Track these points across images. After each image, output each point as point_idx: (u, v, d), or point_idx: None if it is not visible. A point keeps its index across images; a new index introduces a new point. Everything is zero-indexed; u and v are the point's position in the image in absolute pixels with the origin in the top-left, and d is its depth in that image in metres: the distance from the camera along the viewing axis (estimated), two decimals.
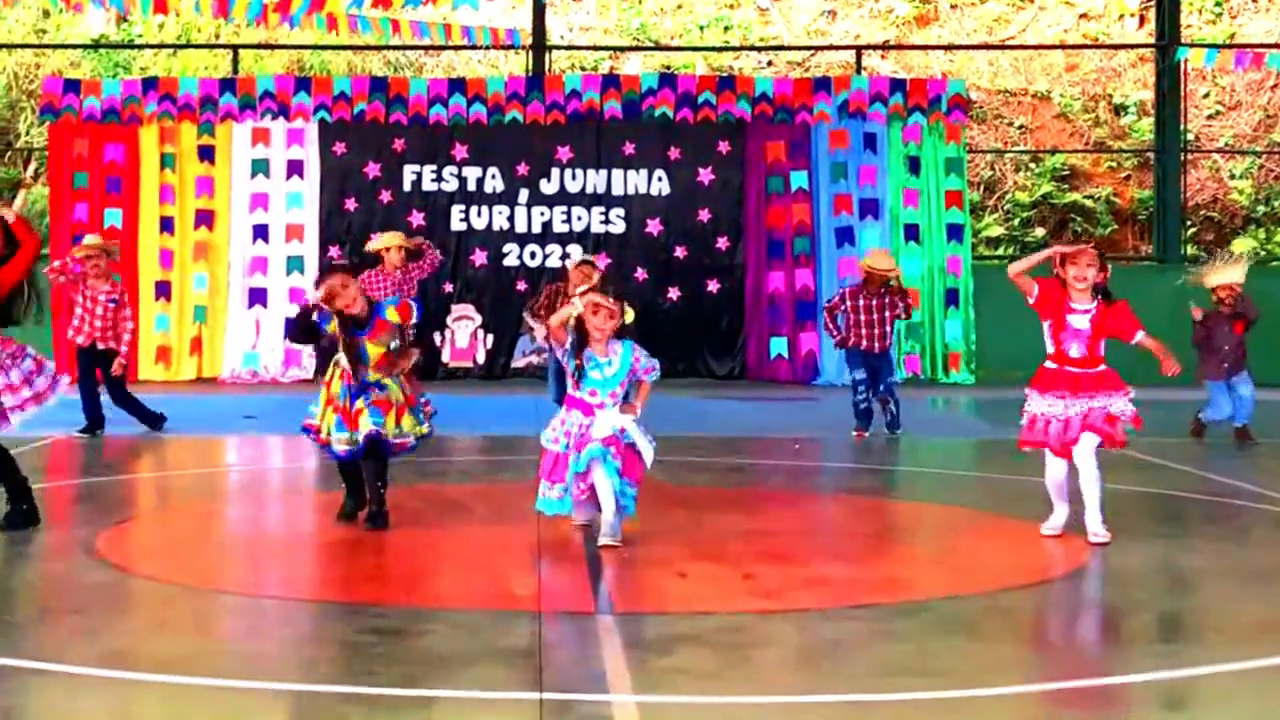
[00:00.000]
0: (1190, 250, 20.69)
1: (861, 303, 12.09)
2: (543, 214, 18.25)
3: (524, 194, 18.32)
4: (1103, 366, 7.20)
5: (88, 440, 11.61)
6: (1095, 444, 7.15)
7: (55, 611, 5.88)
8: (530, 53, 19.62)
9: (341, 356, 7.47)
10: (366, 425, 7.38)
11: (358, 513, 7.62)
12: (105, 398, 11.97)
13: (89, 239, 12.55)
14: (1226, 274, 12.13)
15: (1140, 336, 7.19)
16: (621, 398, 7.08)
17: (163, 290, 18.07)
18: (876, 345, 12.08)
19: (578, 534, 7.19)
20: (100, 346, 11.87)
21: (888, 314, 12.07)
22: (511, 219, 18.29)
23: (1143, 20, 24.11)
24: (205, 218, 18.22)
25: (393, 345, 7.47)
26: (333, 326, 7.44)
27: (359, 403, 7.41)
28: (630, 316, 7.16)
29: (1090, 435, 7.13)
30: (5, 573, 6.42)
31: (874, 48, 23.67)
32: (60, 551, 7.04)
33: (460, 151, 18.29)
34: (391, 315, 7.49)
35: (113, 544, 7.01)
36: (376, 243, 12.74)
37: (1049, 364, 7.24)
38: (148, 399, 12.44)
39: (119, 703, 4.47)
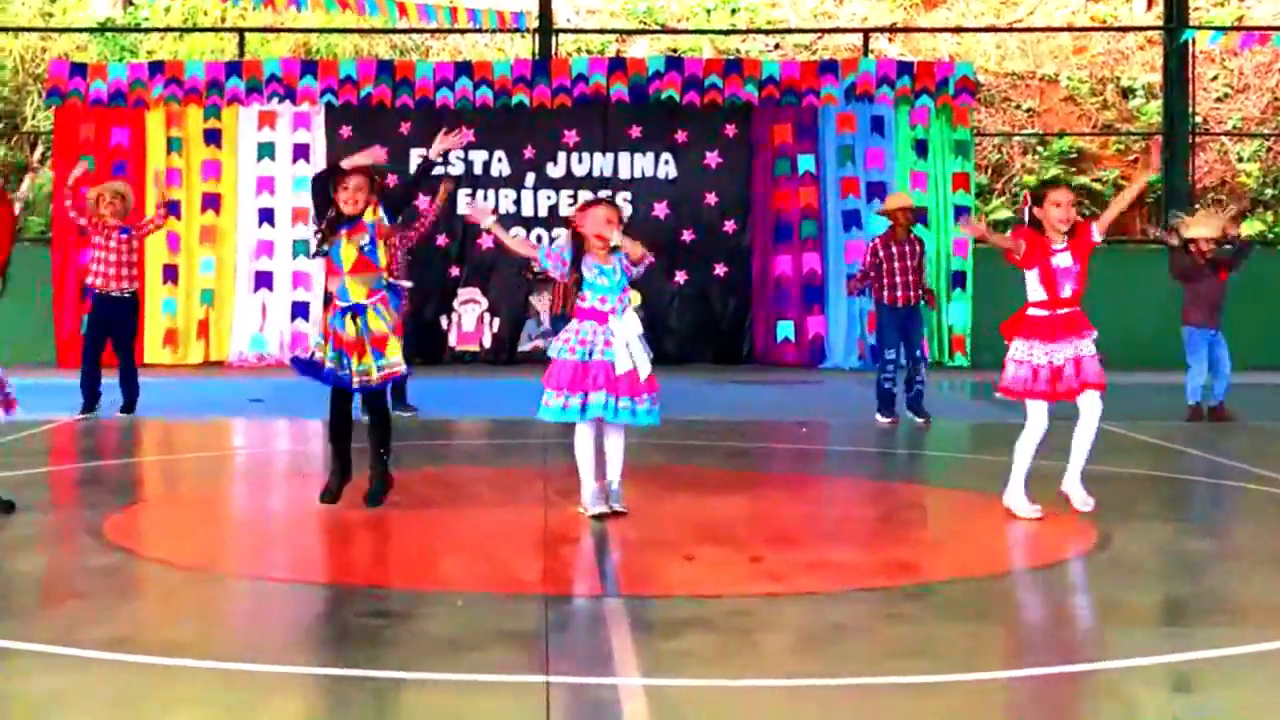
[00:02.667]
0: None
1: (894, 249, 11.75)
2: (549, 198, 18.24)
3: (530, 177, 18.31)
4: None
5: (93, 423, 11.57)
6: (1097, 397, 7.18)
7: (61, 595, 5.88)
8: (536, 36, 19.59)
9: (328, 280, 7.41)
10: (371, 372, 7.28)
11: (341, 491, 7.44)
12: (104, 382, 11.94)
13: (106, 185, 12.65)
14: (1202, 227, 12.22)
15: (1096, 230, 7.21)
16: (628, 301, 7.18)
17: (169, 274, 18.10)
18: (911, 295, 11.74)
19: (584, 517, 7.19)
20: (115, 292, 11.81)
21: (916, 261, 11.75)
22: (518, 203, 18.27)
23: (1150, 3, 24.02)
24: (212, 201, 18.23)
25: (364, 245, 7.30)
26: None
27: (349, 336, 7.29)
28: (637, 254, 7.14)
29: (1092, 394, 7.13)
30: (11, 556, 6.43)
31: (881, 30, 23.60)
32: (66, 535, 7.06)
33: (466, 135, 18.25)
34: (370, 216, 7.34)
35: (119, 527, 7.02)
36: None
37: (1038, 310, 7.19)
38: (155, 382, 12.42)
39: (124, 686, 4.48)
